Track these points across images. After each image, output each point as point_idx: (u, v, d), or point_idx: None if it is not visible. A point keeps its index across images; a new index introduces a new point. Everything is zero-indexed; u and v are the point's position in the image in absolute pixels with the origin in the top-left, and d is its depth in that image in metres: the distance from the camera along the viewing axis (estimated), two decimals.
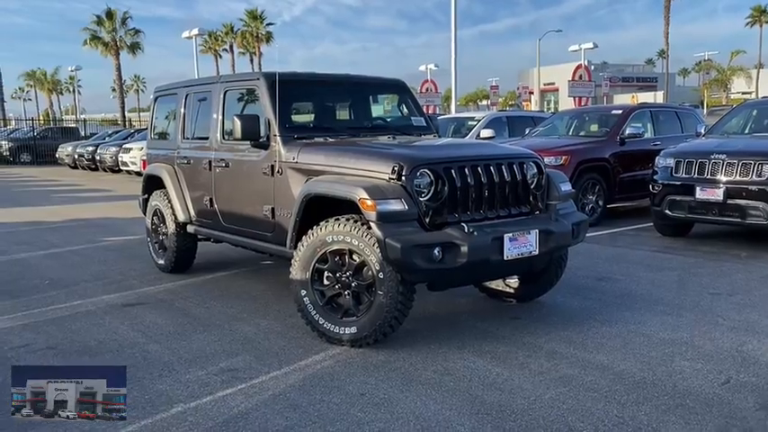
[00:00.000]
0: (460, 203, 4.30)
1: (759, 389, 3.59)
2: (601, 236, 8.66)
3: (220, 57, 61.11)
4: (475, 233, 4.10)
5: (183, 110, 6.37)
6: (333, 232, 4.25)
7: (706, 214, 7.54)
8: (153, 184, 6.80)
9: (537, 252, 4.41)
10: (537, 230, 4.41)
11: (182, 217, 6.31)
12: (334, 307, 4.38)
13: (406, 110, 6.06)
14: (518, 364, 4.01)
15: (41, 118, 62.16)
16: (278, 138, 5.01)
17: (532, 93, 48.03)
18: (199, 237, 6.38)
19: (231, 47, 59.25)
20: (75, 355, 4.27)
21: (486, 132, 12.09)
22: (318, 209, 4.54)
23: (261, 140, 5.08)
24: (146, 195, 6.98)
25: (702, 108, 37.55)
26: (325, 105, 5.83)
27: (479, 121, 12.85)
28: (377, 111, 6.04)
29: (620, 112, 10.49)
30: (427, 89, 38.49)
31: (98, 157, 23.37)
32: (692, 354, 4.14)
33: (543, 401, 3.45)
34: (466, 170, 4.33)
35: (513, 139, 11.66)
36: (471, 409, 3.37)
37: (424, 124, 5.96)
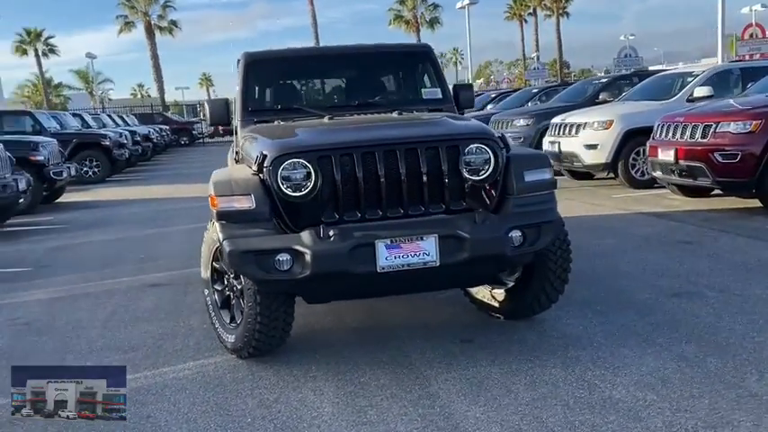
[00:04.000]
0: (342, 200, 3.49)
1: None
2: None
3: (525, 22, 60.06)
4: (332, 238, 3.31)
5: None
6: (216, 230, 3.84)
7: None
8: None
9: (438, 263, 3.38)
10: (436, 236, 3.38)
11: None
12: (228, 310, 3.98)
13: (428, 81, 5.14)
14: (361, 406, 3.16)
15: None
16: (239, 122, 4.69)
17: None
18: None
19: (534, 10, 57.63)
20: (20, 334, 4.62)
21: (701, 91, 9.88)
22: None
23: (230, 125, 4.84)
24: None
25: None
26: (308, 84, 5.27)
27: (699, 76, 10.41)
28: (388, 83, 5.28)
29: None
30: (751, 34, 32.65)
31: None
32: (625, 420, 2.79)
33: None
34: (355, 158, 3.49)
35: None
36: None
37: (439, 97, 4.98)
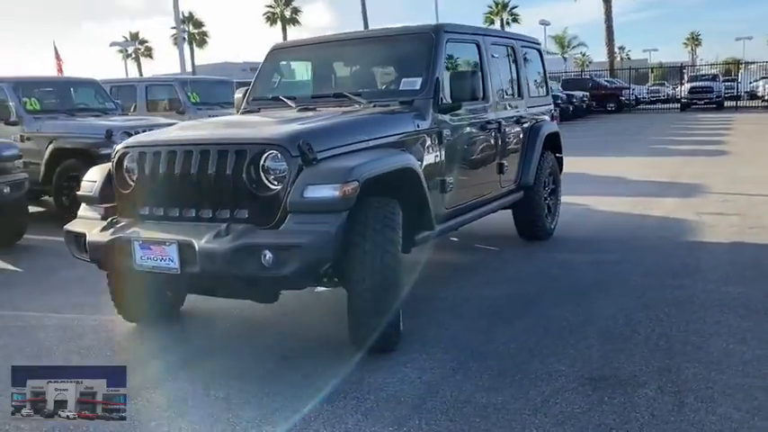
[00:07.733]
0: (150, 196, 3.65)
1: None
2: None
3: None
4: (108, 231, 3.56)
5: None
6: None
7: None
8: None
9: (179, 271, 3.31)
10: (177, 243, 3.31)
11: None
12: None
13: (420, 69, 4.48)
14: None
15: None
16: (241, 109, 5.08)
17: None
18: None
19: None
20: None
21: None
22: None
23: None
24: None
25: None
26: (305, 73, 5.33)
27: None
28: (383, 72, 4.95)
29: None
30: None
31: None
32: None
33: None
34: (161, 156, 3.60)
35: None
36: None
37: (416, 87, 4.39)
